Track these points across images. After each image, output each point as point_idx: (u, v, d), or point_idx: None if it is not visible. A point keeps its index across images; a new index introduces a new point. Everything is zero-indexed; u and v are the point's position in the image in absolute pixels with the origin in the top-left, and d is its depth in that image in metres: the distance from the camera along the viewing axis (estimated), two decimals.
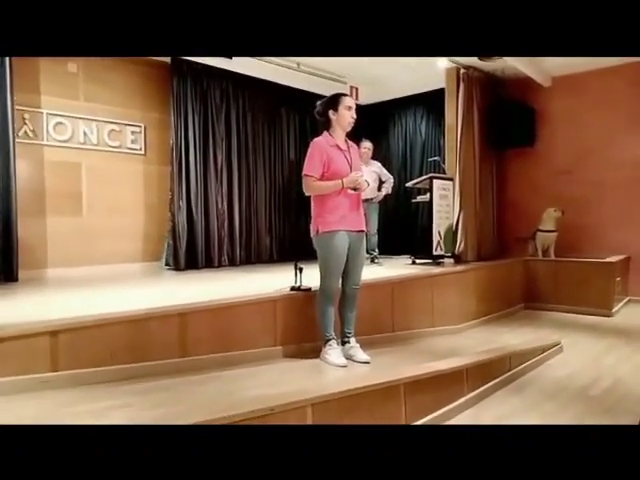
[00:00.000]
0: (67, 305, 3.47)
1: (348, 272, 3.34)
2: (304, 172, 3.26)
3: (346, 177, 3.22)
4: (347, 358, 3.30)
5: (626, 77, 6.21)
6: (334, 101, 3.34)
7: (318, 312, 3.36)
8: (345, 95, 3.41)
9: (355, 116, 3.35)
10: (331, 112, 3.32)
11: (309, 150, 3.30)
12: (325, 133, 3.37)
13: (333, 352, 3.27)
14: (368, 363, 3.29)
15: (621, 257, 6.05)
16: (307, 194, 3.31)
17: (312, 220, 3.34)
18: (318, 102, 3.44)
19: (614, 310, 5.69)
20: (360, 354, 3.34)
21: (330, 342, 3.30)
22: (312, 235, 3.34)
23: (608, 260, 5.84)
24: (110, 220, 5.87)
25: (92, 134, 5.79)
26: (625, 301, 6.16)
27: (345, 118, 3.32)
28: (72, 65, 5.63)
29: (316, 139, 3.35)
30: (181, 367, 2.93)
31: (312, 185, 3.25)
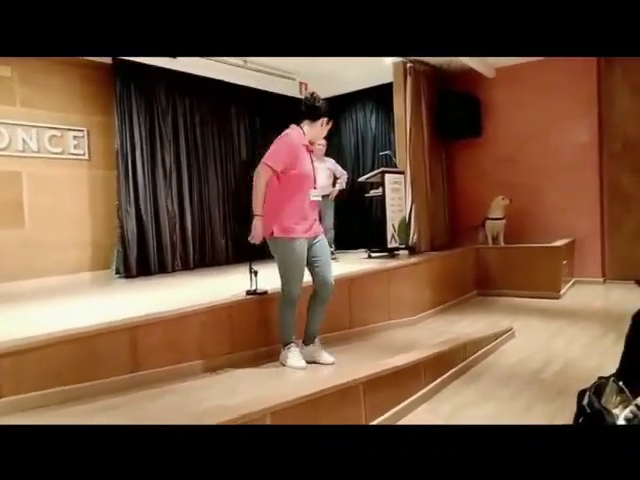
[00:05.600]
0: (10, 325, 3.31)
1: (317, 273, 3.25)
2: (265, 160, 3.05)
3: (311, 180, 3.20)
4: (311, 361, 3.26)
5: (566, 66, 6.43)
6: (330, 113, 3.28)
7: (280, 317, 3.27)
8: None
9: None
10: (325, 120, 3.26)
11: (279, 141, 3.11)
12: (298, 129, 3.21)
13: (292, 355, 3.23)
14: (333, 364, 3.27)
15: (566, 241, 6.28)
16: (253, 182, 3.09)
17: (268, 219, 3.10)
18: (318, 98, 3.26)
19: (562, 292, 5.92)
20: (325, 356, 3.31)
21: (289, 345, 3.26)
22: (266, 236, 3.14)
23: (554, 244, 6.05)
24: (55, 229, 5.64)
25: (31, 141, 5.54)
26: (572, 282, 6.41)
27: (322, 135, 3.37)
28: (5, 68, 5.35)
29: (290, 132, 3.17)
30: (133, 383, 2.84)
31: (261, 181, 3.05)
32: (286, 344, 3.27)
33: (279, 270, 3.22)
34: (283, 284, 3.23)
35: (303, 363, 3.21)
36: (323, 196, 6.27)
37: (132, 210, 5.94)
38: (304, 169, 3.16)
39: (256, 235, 3.09)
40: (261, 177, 3.06)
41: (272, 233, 3.12)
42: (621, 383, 1.54)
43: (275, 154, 3.08)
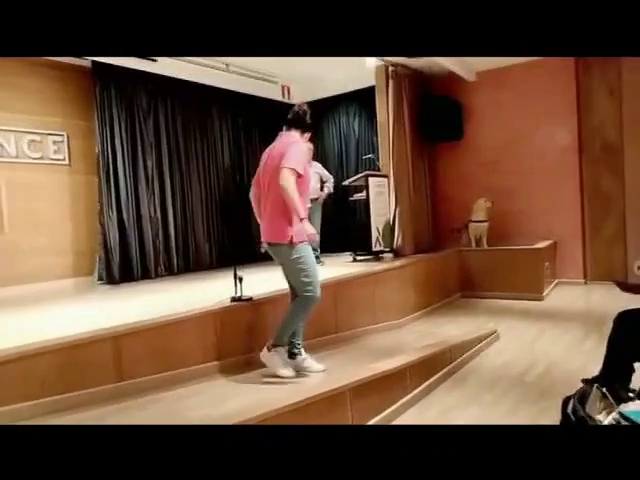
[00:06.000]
0: None
1: None
2: (290, 165, 3.00)
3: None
4: (300, 370, 3.23)
5: (545, 70, 6.53)
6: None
7: (290, 320, 3.19)
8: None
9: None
10: (309, 135, 3.37)
11: (296, 146, 3.11)
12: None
13: (281, 360, 3.20)
14: (324, 372, 3.26)
15: (548, 242, 6.37)
16: (285, 190, 2.98)
17: (278, 225, 3.10)
18: (309, 111, 3.32)
19: (544, 294, 5.99)
20: (314, 365, 3.30)
21: (278, 348, 3.19)
22: (284, 242, 3.08)
23: (536, 246, 6.13)
24: (36, 236, 5.55)
25: (10, 146, 5.45)
26: (554, 284, 6.50)
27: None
28: None
29: (300, 138, 3.24)
30: (120, 392, 2.81)
31: (294, 185, 2.99)
32: (275, 345, 3.19)
33: (297, 275, 3.15)
34: (306, 287, 3.15)
35: (292, 372, 3.19)
36: (311, 200, 6.31)
37: (114, 215, 5.87)
38: (309, 175, 3.24)
39: (313, 235, 3.11)
40: (292, 182, 3.00)
41: (292, 239, 3.07)
42: (604, 389, 1.56)
43: (297, 158, 3.06)
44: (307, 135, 3.35)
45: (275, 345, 3.20)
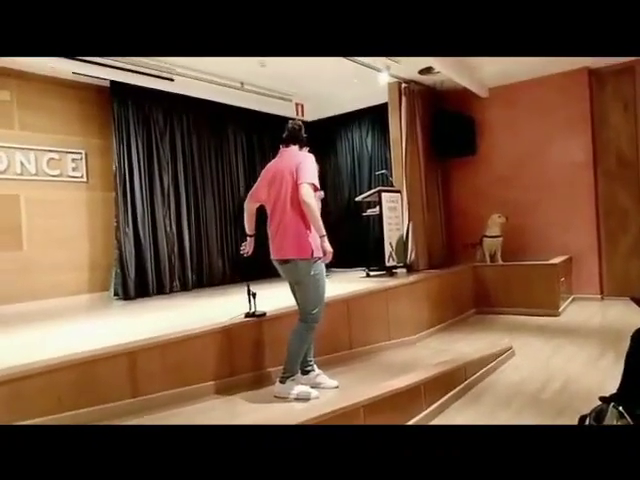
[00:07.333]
0: (9, 350, 3.30)
1: None
2: (310, 181, 3.01)
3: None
4: (314, 387, 3.19)
5: (556, 86, 6.55)
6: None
7: (299, 345, 3.10)
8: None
9: None
10: (307, 149, 3.35)
11: (310, 161, 3.12)
12: None
13: (302, 386, 3.13)
14: (337, 388, 3.25)
15: (564, 258, 6.31)
16: (309, 206, 2.96)
17: (298, 241, 3.05)
18: (302, 126, 3.34)
19: (560, 310, 5.93)
20: (328, 381, 3.28)
21: (294, 377, 3.12)
22: (306, 257, 3.04)
23: (552, 262, 6.08)
24: (53, 252, 5.64)
25: (30, 164, 5.57)
26: (570, 300, 6.42)
27: None
28: (4, 93, 5.41)
29: (309, 154, 3.24)
30: (134, 407, 2.83)
31: (315, 201, 3.02)
32: (289, 376, 3.10)
33: (310, 292, 3.09)
34: (313, 307, 3.09)
35: (316, 392, 3.12)
36: None
37: (130, 231, 5.94)
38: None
39: (330, 254, 3.05)
40: (313, 197, 3.01)
41: (312, 254, 3.03)
42: (621, 408, 1.55)
43: (313, 173, 3.08)
44: (305, 149, 3.33)
45: (289, 376, 3.11)
